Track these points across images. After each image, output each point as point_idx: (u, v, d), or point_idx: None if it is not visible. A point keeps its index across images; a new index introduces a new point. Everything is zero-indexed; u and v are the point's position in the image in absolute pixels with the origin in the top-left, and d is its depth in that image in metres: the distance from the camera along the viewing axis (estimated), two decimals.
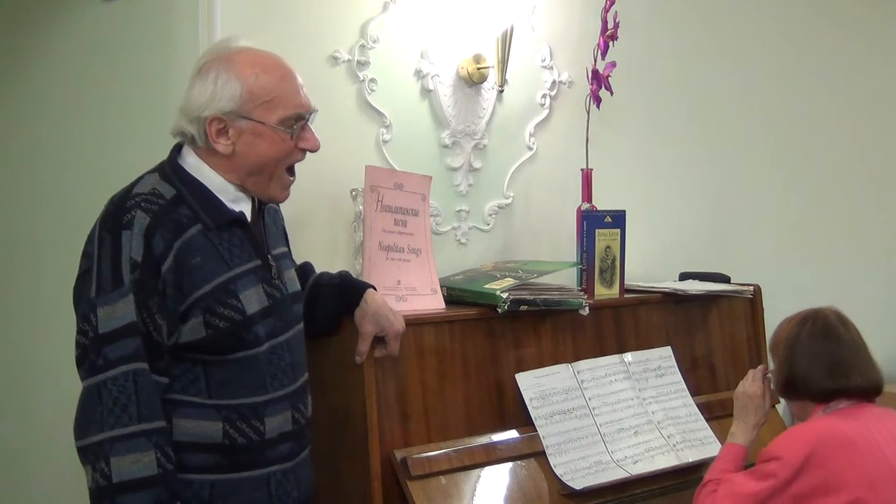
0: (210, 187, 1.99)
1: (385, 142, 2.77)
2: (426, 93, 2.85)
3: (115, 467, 1.82)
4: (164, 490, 1.85)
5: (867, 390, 2.35)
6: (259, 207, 2.10)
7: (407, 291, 2.59)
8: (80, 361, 1.89)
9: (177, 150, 2.05)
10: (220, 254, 1.96)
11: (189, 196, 1.96)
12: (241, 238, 2.01)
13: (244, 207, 2.04)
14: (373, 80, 2.73)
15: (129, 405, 1.84)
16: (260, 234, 2.08)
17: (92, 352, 1.86)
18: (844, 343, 2.35)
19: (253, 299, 1.98)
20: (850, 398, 2.33)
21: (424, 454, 2.37)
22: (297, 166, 2.10)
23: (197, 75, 2.00)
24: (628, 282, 3.02)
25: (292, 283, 2.15)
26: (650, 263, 3.31)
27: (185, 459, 1.91)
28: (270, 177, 2.03)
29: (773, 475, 2.23)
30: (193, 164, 2.01)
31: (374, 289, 2.32)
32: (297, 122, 2.01)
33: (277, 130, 1.99)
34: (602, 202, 3.06)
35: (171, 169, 2.00)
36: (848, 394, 2.33)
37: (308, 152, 2.07)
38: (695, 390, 2.94)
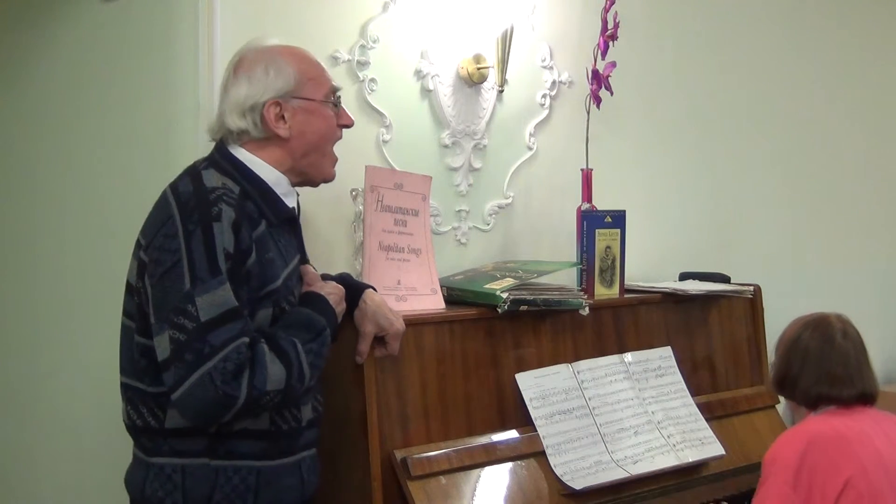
0: (267, 181, 2.06)
1: (385, 142, 2.77)
2: (426, 93, 2.85)
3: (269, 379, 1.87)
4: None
5: (855, 401, 2.40)
6: (297, 203, 2.17)
7: (407, 291, 2.59)
8: (178, 356, 1.85)
9: (222, 145, 2.08)
10: (279, 250, 2.03)
11: (252, 191, 2.02)
12: (290, 234, 2.11)
13: (293, 203, 2.13)
14: (373, 80, 2.73)
15: (243, 366, 1.85)
16: (300, 230, 2.18)
17: (196, 341, 1.84)
18: (839, 353, 2.41)
19: (300, 294, 2.08)
20: (838, 405, 2.39)
21: (424, 454, 2.37)
22: None
23: (240, 72, 2.08)
24: (628, 282, 3.02)
25: None
26: (650, 263, 3.31)
27: (236, 447, 1.96)
28: (324, 154, 2.14)
29: (773, 476, 2.26)
30: (247, 157, 2.06)
31: (374, 289, 2.32)
32: (335, 95, 2.15)
33: (325, 106, 2.12)
34: (602, 202, 3.06)
35: (228, 164, 2.04)
36: (833, 401, 2.39)
37: (345, 128, 2.19)
38: (695, 390, 2.94)
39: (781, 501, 2.26)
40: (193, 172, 2.01)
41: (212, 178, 1.97)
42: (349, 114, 2.19)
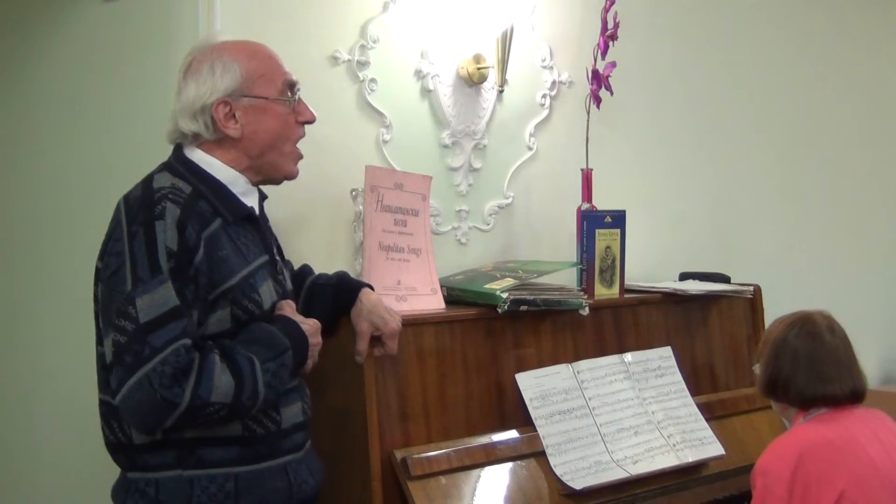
0: (222, 181, 2.02)
1: (385, 142, 2.77)
2: (426, 93, 2.85)
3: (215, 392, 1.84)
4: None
5: (847, 398, 2.35)
6: (261, 203, 2.13)
7: (407, 291, 2.59)
8: (119, 359, 1.82)
9: (178, 148, 2.05)
10: (238, 248, 1.98)
11: (206, 191, 1.98)
12: (252, 233, 2.05)
13: (253, 202, 2.08)
14: (373, 80, 2.73)
15: (185, 370, 1.81)
16: (266, 229, 2.12)
17: (136, 343, 1.80)
18: (828, 350, 2.35)
19: (267, 294, 2.02)
20: (830, 405, 2.34)
21: (424, 454, 2.37)
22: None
23: (188, 74, 2.04)
24: (628, 282, 3.02)
25: (287, 280, 2.18)
26: (650, 263, 3.31)
27: (206, 455, 1.92)
28: (282, 153, 2.08)
29: (769, 493, 2.24)
30: (202, 158, 2.03)
31: (371, 288, 2.32)
32: (291, 90, 2.08)
33: (278, 103, 2.05)
34: (602, 202, 3.06)
35: (181, 165, 2.01)
36: (827, 401, 2.34)
37: (307, 125, 2.12)
38: (695, 390, 2.94)
39: None
40: (146, 177, 1.99)
41: (161, 180, 1.96)
42: (310, 109, 2.12)
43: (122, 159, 2.73)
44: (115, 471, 2.04)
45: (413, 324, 2.42)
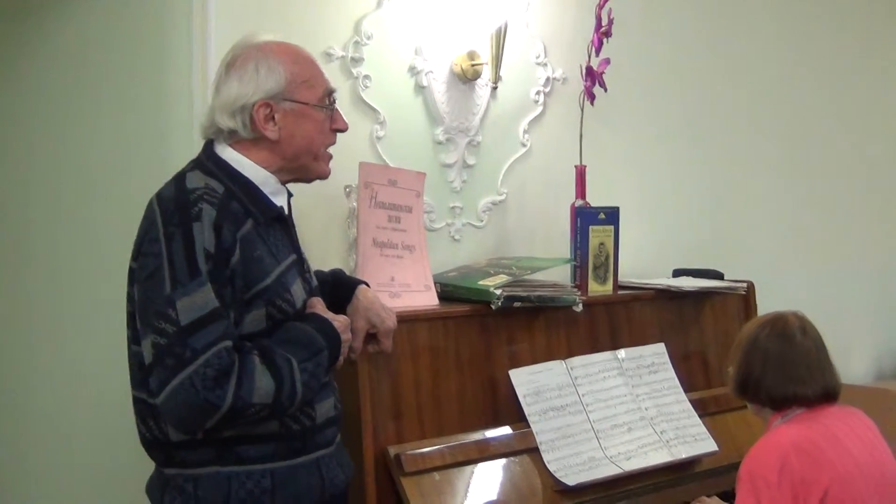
0: (253, 180, 2.03)
1: (379, 138, 2.77)
2: (420, 89, 2.85)
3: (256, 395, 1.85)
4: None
5: (819, 398, 2.35)
6: (288, 201, 2.14)
7: (401, 288, 2.59)
8: (160, 360, 1.83)
9: (209, 145, 2.06)
10: (269, 248, 2.00)
11: (237, 190, 1.99)
12: (281, 233, 2.07)
13: (282, 201, 2.09)
14: (367, 77, 2.73)
15: (226, 372, 1.82)
16: (293, 228, 2.14)
17: (177, 345, 1.82)
18: (799, 350, 2.34)
19: (298, 292, 2.03)
20: (803, 405, 2.34)
21: (418, 450, 2.37)
22: None
23: (231, 70, 2.04)
24: (622, 278, 3.03)
25: (312, 277, 2.19)
26: (644, 260, 3.32)
27: (244, 452, 1.93)
28: (315, 157, 2.10)
29: (759, 498, 2.24)
30: (233, 157, 2.03)
31: (367, 285, 2.32)
32: (330, 98, 2.10)
33: (317, 110, 2.07)
34: (596, 199, 3.06)
35: (213, 164, 2.02)
36: (799, 401, 2.34)
37: (339, 132, 2.14)
38: (688, 387, 2.94)
39: None
40: (178, 176, 2.00)
41: (194, 180, 1.96)
42: (344, 118, 2.14)
43: (115, 156, 2.73)
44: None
45: (407, 320, 2.42)
